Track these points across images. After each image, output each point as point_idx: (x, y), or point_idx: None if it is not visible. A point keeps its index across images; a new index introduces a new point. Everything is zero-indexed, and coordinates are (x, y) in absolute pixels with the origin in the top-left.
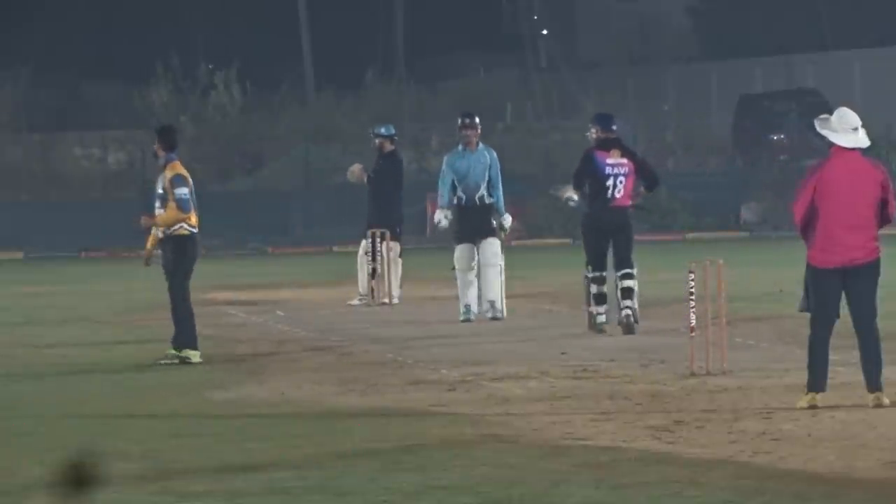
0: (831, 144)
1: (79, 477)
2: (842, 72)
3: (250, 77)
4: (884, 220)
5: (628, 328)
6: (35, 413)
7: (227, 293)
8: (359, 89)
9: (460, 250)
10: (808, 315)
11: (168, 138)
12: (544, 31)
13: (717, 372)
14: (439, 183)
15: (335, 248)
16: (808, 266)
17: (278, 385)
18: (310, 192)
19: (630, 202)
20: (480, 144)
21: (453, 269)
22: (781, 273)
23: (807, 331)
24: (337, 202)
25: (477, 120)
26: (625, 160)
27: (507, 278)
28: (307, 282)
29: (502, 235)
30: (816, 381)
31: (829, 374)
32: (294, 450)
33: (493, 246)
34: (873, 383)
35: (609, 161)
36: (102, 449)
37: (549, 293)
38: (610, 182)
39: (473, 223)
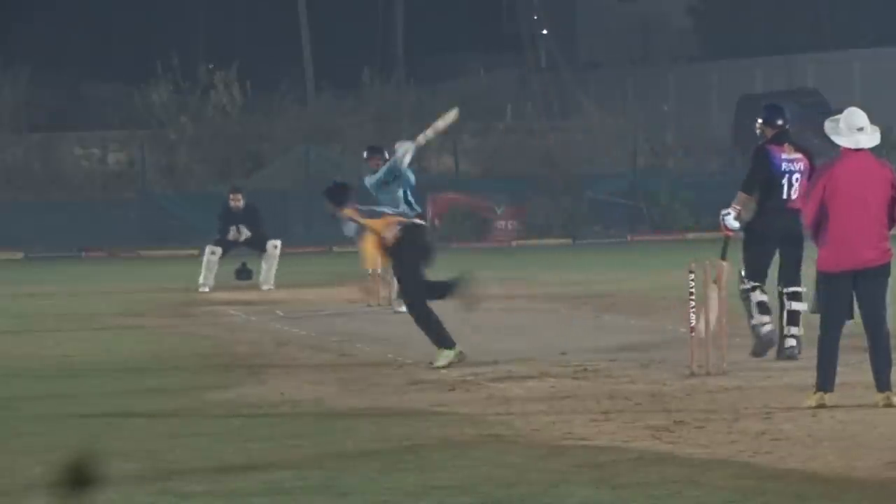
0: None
1: (79, 477)
2: (842, 72)
3: (250, 77)
4: (893, 220)
5: (791, 359)
6: (35, 413)
7: (227, 293)
8: (358, 89)
9: None
10: (815, 315)
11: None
12: (544, 31)
13: (717, 372)
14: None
15: (335, 248)
16: (819, 270)
17: (278, 385)
18: (310, 192)
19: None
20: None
21: None
22: None
23: (807, 331)
24: None
25: (384, 153)
26: (800, 155)
27: (507, 278)
28: (307, 282)
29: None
30: (825, 380)
31: None
32: (294, 450)
33: None
34: (883, 383)
35: (784, 156)
36: (102, 449)
37: (549, 293)
38: (784, 181)
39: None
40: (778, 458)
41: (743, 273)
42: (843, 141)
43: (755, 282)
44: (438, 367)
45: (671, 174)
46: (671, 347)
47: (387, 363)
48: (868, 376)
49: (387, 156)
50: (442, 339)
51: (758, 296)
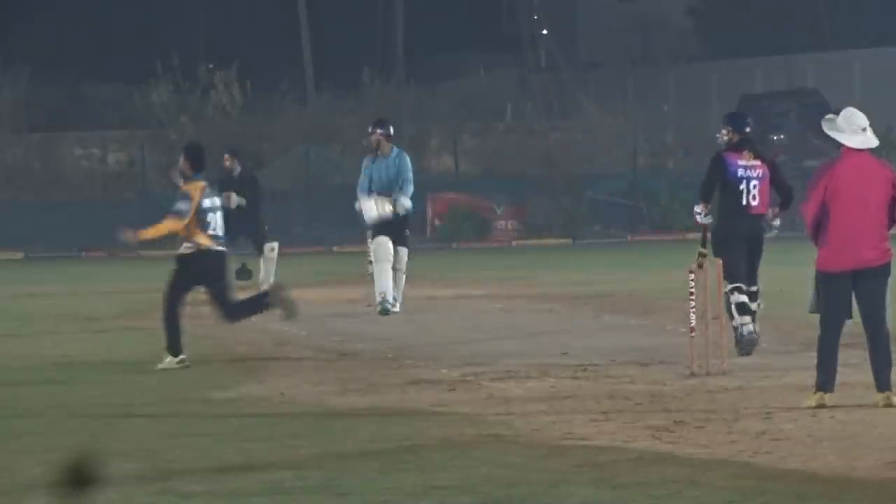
0: (840, 145)
1: (79, 477)
2: (842, 72)
3: (250, 77)
4: (893, 220)
5: (748, 344)
6: (35, 413)
7: None
8: (358, 89)
9: (380, 243)
10: (813, 315)
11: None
12: (544, 31)
13: (717, 372)
14: (357, 188)
15: (335, 248)
16: (819, 270)
17: (278, 385)
18: (310, 192)
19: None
20: (395, 150)
21: (370, 262)
22: (781, 273)
23: (807, 331)
24: (337, 202)
25: (390, 128)
26: (758, 162)
27: (507, 278)
28: (307, 282)
29: (400, 212)
30: (825, 380)
31: None
32: (294, 450)
33: (403, 255)
34: (883, 383)
35: (741, 163)
36: (102, 449)
37: (549, 293)
38: (742, 186)
39: (388, 228)
40: (778, 458)
41: (724, 276)
42: (849, 140)
43: (734, 283)
44: (159, 368)
45: (671, 174)
46: (671, 347)
47: (387, 363)
48: (868, 376)
49: (391, 131)
50: (174, 344)
51: (737, 297)
